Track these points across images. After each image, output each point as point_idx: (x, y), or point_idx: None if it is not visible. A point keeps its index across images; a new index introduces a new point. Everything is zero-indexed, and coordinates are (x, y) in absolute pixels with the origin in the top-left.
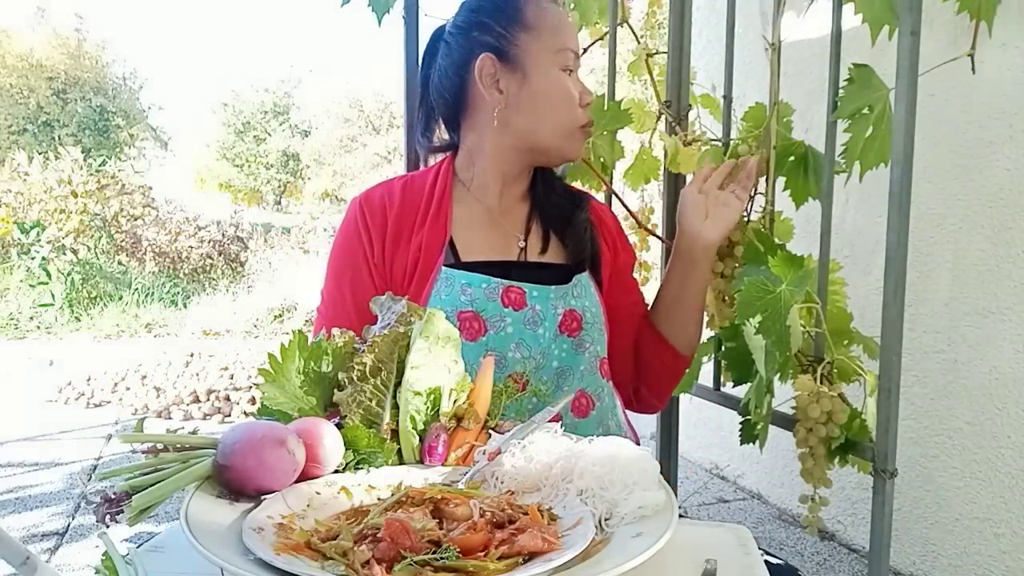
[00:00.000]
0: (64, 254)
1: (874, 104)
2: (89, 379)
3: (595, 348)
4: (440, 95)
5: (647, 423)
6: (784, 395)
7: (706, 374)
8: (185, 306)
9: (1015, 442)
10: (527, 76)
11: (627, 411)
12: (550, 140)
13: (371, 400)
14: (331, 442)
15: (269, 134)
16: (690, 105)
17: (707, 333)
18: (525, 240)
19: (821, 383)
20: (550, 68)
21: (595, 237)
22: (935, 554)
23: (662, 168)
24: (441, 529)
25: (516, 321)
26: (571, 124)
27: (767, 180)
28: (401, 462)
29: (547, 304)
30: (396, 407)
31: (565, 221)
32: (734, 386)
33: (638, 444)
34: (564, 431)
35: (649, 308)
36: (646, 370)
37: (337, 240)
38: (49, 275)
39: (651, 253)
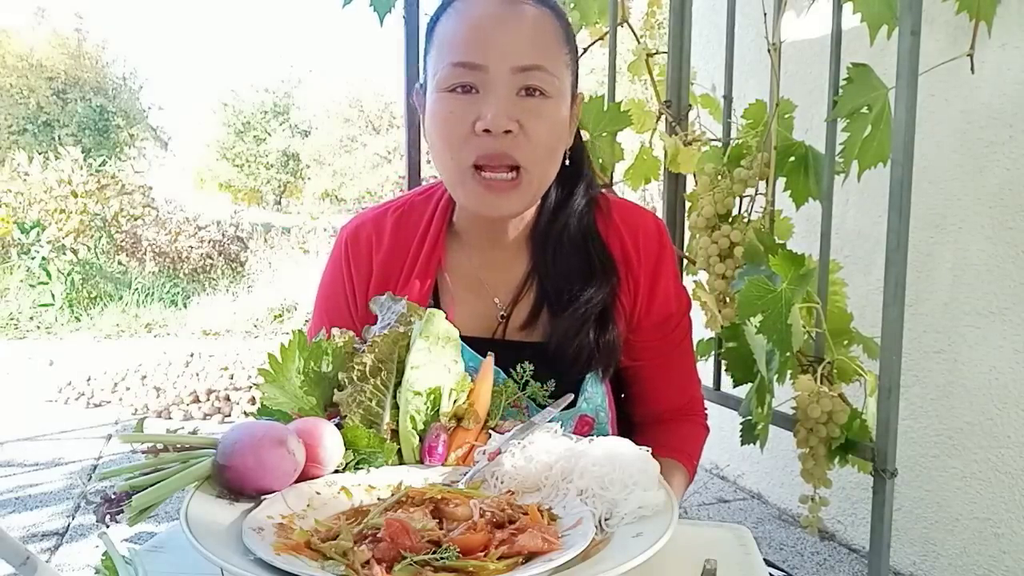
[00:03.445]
0: (64, 254)
1: (873, 104)
2: (89, 379)
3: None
4: None
5: None
6: (784, 395)
7: (706, 374)
8: (185, 306)
9: (1015, 442)
10: (427, 104)
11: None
12: (448, 184)
13: (371, 400)
14: (331, 442)
15: (269, 134)
16: (690, 105)
17: (707, 333)
18: (510, 310)
19: (821, 383)
20: (436, 90)
21: (608, 329)
22: (935, 554)
23: (662, 168)
24: (441, 529)
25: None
26: (458, 162)
27: (767, 180)
28: (401, 462)
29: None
30: (396, 407)
31: (562, 308)
32: (734, 386)
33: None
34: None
35: None
36: None
37: (324, 274)
38: (49, 275)
39: None
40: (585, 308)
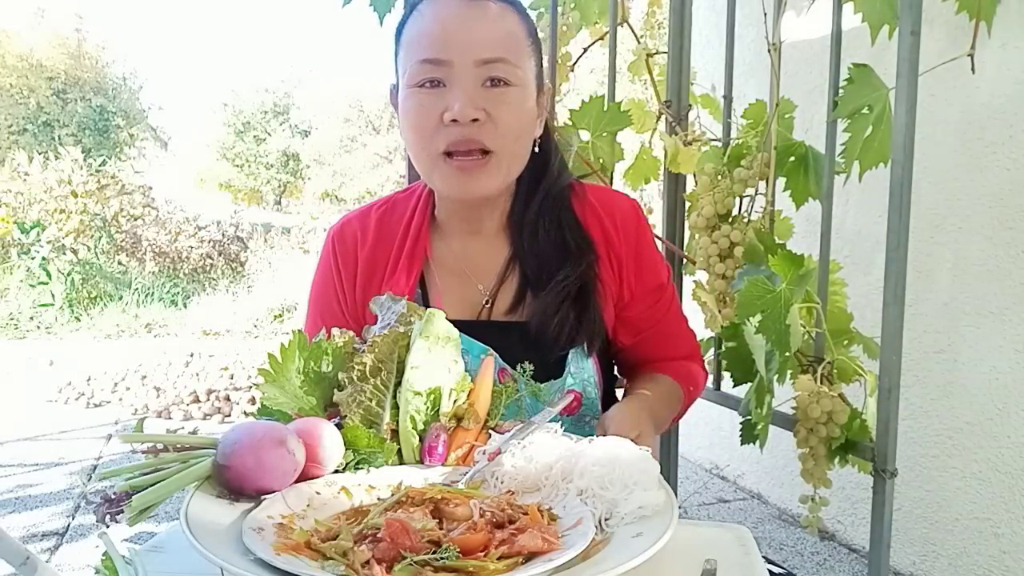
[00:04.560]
0: (64, 254)
1: (873, 104)
2: (89, 379)
3: (594, 420)
4: None
5: None
6: (784, 395)
7: None
8: (185, 306)
9: (1015, 442)
10: (399, 101)
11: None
12: (423, 174)
13: (371, 400)
14: (331, 442)
15: (269, 134)
16: (690, 105)
17: (707, 333)
18: (494, 294)
19: (821, 383)
20: (406, 87)
21: (588, 305)
22: (935, 554)
23: (662, 168)
24: (441, 529)
25: (511, 401)
26: (430, 152)
27: (767, 180)
28: (401, 462)
29: (537, 403)
30: (396, 407)
31: (543, 285)
32: (734, 386)
33: None
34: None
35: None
36: None
37: (315, 274)
38: (49, 275)
39: None
40: (563, 287)
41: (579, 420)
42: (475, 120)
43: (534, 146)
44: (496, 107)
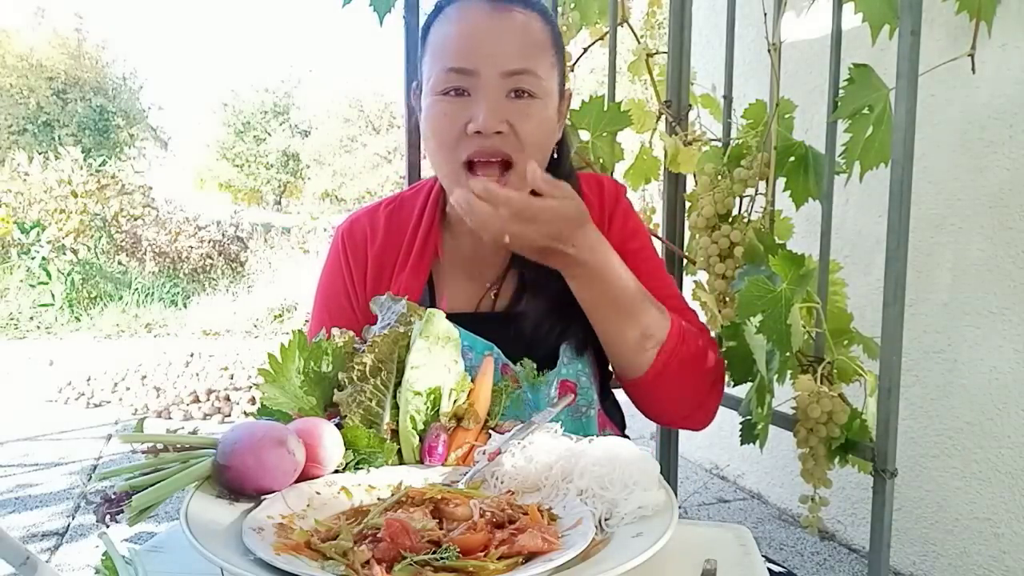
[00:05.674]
0: (64, 254)
1: (874, 104)
2: (89, 379)
3: (591, 411)
4: None
5: (647, 422)
6: (784, 395)
7: None
8: (185, 306)
9: (1015, 442)
10: (422, 106)
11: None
12: (444, 182)
13: (371, 400)
14: (331, 442)
15: (269, 134)
16: (690, 105)
17: None
18: (498, 288)
19: (821, 383)
20: (431, 93)
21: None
22: (935, 554)
23: (662, 168)
24: (441, 529)
25: (512, 397)
26: (451, 161)
27: (767, 180)
28: (401, 462)
29: (539, 393)
30: (396, 407)
31: (543, 283)
32: (734, 386)
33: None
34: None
35: None
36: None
37: (323, 271)
38: (49, 275)
39: None
40: (559, 285)
41: (575, 411)
42: (498, 132)
43: (552, 151)
44: (519, 119)
